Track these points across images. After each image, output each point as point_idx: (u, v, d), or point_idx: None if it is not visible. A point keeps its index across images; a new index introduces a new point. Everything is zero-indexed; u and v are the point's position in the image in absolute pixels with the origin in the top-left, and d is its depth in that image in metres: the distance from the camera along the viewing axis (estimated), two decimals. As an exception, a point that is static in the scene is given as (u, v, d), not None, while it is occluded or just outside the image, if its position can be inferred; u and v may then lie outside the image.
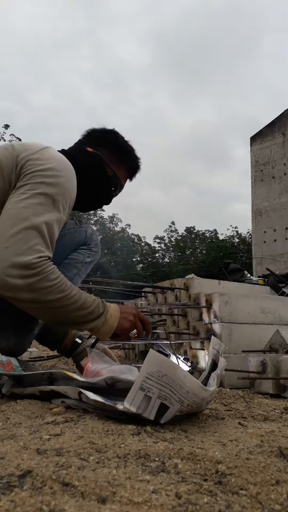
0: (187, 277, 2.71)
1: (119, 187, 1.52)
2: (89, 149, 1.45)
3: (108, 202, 1.54)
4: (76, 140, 1.52)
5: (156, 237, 33.28)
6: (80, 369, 1.52)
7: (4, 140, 15.18)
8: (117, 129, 1.53)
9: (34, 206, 1.11)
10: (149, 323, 1.30)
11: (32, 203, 1.11)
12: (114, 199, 1.55)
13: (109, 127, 1.53)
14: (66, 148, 1.48)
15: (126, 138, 1.53)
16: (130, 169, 1.54)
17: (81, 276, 1.56)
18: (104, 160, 1.45)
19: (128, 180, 1.56)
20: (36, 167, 1.16)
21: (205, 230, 34.67)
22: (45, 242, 1.11)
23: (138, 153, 1.54)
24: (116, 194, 1.54)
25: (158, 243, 33.30)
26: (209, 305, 1.90)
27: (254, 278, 4.96)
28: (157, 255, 32.88)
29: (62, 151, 1.42)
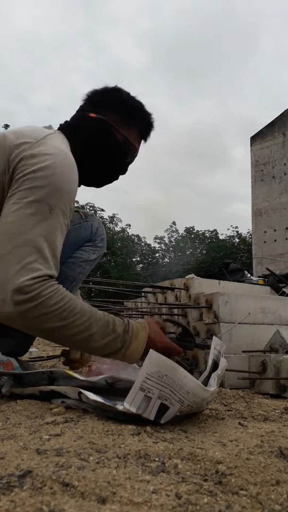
0: (187, 277, 2.71)
1: (132, 152, 1.33)
2: (92, 114, 1.26)
3: (123, 171, 1.36)
4: (77, 107, 1.33)
5: (156, 237, 33.30)
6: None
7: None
8: (120, 86, 1.32)
9: (27, 217, 0.97)
10: (177, 351, 1.11)
11: (25, 214, 0.97)
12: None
13: (111, 84, 1.32)
14: (69, 119, 1.31)
15: (132, 94, 1.32)
16: (142, 128, 1.33)
17: (85, 274, 1.49)
18: (111, 124, 1.26)
19: (142, 141, 1.36)
20: (28, 168, 1.01)
21: (205, 230, 34.69)
22: (44, 257, 0.96)
23: (148, 107, 1.33)
24: (132, 161, 1.36)
25: (158, 243, 33.31)
26: (209, 305, 1.90)
27: (254, 278, 4.96)
28: (157, 255, 32.87)
29: (65, 124, 1.28)
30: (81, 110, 1.30)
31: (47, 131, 1.14)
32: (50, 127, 1.24)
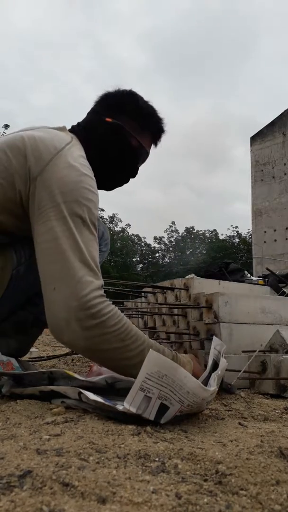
0: (187, 277, 2.71)
1: (144, 156, 1.34)
2: (108, 119, 1.25)
3: (134, 175, 1.36)
4: (89, 109, 1.33)
5: (156, 238, 33.31)
6: None
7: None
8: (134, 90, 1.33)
9: (66, 233, 0.97)
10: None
11: (63, 230, 0.97)
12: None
13: (124, 87, 1.33)
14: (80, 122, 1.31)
15: (145, 98, 1.32)
16: (155, 134, 1.34)
17: None
18: (127, 130, 1.26)
19: (153, 146, 1.37)
20: (53, 183, 1.00)
21: (205, 230, 34.72)
22: (91, 269, 0.96)
23: (160, 112, 1.34)
24: (141, 165, 1.37)
25: (158, 243, 33.32)
26: (209, 305, 1.90)
27: (254, 278, 4.95)
28: (157, 255, 32.87)
29: (78, 127, 1.28)
30: (96, 113, 1.29)
31: (65, 138, 1.13)
32: (64, 128, 1.22)
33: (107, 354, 0.94)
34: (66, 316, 0.91)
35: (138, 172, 1.37)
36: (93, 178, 1.09)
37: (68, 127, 1.28)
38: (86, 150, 1.18)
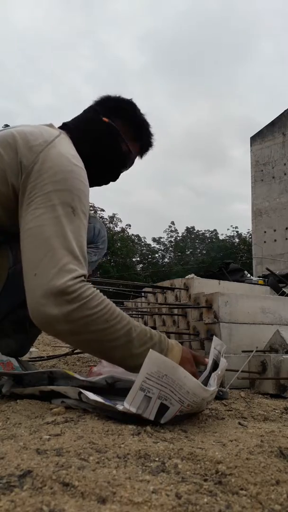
0: (187, 277, 2.71)
1: (130, 164, 1.39)
2: (105, 119, 1.28)
3: (116, 179, 1.41)
4: (86, 108, 1.35)
5: (154, 239, 33.30)
6: None
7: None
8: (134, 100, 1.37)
9: (53, 220, 0.97)
10: (203, 362, 1.08)
11: (51, 217, 0.97)
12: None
13: (125, 96, 1.37)
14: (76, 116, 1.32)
15: (142, 111, 1.37)
16: (143, 146, 1.39)
17: None
18: (120, 135, 1.29)
19: (138, 157, 1.41)
20: (45, 172, 1.01)
21: (205, 230, 34.70)
22: (77, 258, 0.96)
23: (153, 129, 1.39)
24: (124, 171, 1.41)
25: (158, 243, 33.32)
26: (209, 305, 1.90)
27: (254, 278, 4.96)
28: (156, 255, 32.86)
29: (72, 122, 1.30)
30: (94, 111, 1.32)
31: (54, 132, 1.14)
32: (51, 125, 1.24)
33: (93, 336, 0.93)
34: (46, 302, 0.90)
35: (119, 177, 1.41)
36: (84, 169, 1.10)
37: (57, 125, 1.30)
38: (76, 145, 1.19)
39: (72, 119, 1.32)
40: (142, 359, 0.86)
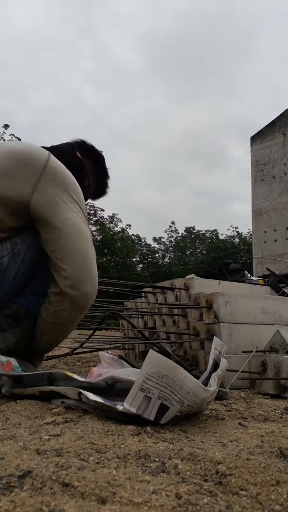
0: (187, 277, 2.71)
1: (85, 199, 1.55)
2: (78, 154, 1.55)
3: None
4: (64, 141, 1.61)
5: (155, 239, 33.27)
6: None
7: (4, 140, 15.17)
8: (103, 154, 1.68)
9: (79, 216, 1.26)
10: None
11: (76, 211, 1.26)
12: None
13: (99, 147, 1.68)
14: (53, 146, 1.54)
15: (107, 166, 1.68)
16: (99, 190, 1.68)
17: None
18: (87, 171, 1.57)
19: (90, 198, 1.70)
20: (59, 183, 1.26)
21: (205, 230, 34.67)
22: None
23: (110, 183, 1.73)
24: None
25: (158, 243, 33.31)
26: (209, 305, 1.90)
27: (254, 278, 4.95)
28: (156, 255, 32.85)
29: (52, 147, 1.50)
30: (71, 146, 1.60)
31: (46, 151, 1.34)
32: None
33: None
34: (96, 284, 1.29)
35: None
36: None
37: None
38: None
39: (50, 146, 1.52)
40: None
